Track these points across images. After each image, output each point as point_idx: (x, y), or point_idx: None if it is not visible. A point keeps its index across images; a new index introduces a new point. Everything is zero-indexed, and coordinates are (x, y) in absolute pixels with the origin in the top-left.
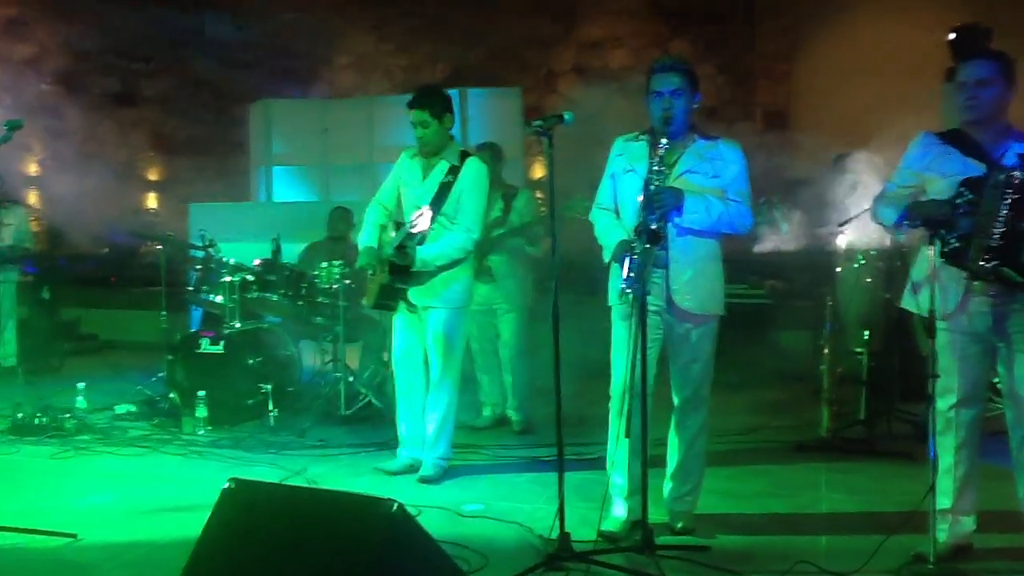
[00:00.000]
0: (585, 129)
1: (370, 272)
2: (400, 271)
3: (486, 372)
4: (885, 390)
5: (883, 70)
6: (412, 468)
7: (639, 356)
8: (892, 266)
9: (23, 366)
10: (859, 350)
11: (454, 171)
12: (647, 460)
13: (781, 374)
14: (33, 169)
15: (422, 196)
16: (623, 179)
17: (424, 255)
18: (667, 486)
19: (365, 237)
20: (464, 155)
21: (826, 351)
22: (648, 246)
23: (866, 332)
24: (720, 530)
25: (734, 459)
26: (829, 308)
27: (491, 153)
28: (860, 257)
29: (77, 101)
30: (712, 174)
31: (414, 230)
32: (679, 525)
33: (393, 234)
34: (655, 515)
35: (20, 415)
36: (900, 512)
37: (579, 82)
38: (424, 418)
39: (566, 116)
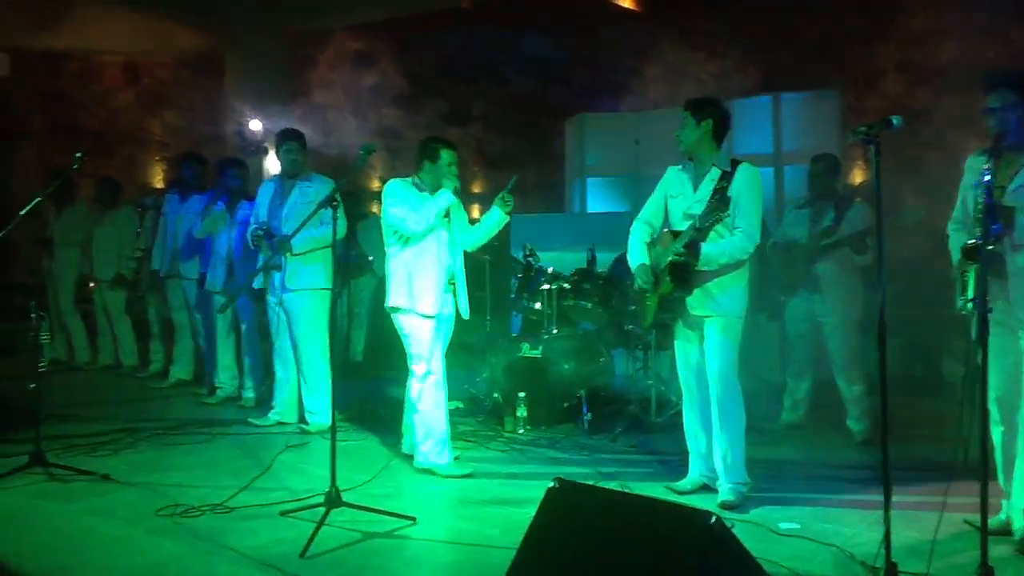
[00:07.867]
0: (912, 131)
1: (646, 292)
2: (682, 274)
3: (795, 378)
4: None
5: None
6: (704, 487)
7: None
8: None
9: (367, 361)
10: None
11: (727, 177)
12: (987, 485)
13: None
14: (375, 185)
15: (695, 205)
16: (970, 193)
17: (708, 251)
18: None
19: (636, 256)
20: (735, 162)
21: None
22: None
23: None
24: None
25: None
26: None
27: (826, 164)
28: None
29: (413, 122)
30: None
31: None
32: None
33: (660, 247)
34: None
35: (366, 407)
36: None
37: (903, 80)
38: (711, 432)
39: (894, 121)
